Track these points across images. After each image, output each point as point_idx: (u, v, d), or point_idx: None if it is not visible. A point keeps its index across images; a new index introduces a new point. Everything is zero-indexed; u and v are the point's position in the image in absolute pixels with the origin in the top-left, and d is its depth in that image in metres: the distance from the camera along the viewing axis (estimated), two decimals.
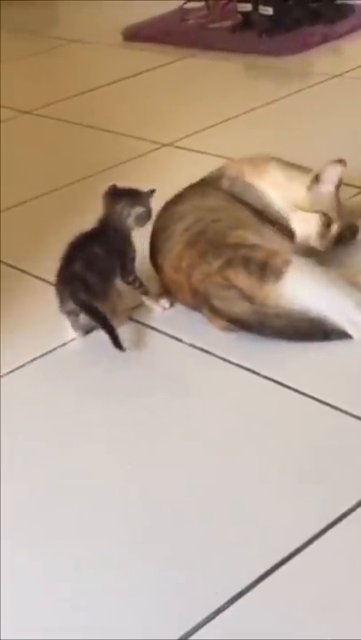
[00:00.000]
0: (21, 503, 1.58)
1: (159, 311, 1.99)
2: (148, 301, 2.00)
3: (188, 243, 1.91)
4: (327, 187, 2.00)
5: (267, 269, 1.81)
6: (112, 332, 1.86)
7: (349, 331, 1.78)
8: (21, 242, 2.45)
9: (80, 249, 1.93)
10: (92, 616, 1.34)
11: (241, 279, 1.83)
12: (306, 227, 2.00)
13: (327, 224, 2.00)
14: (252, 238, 1.89)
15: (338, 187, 2.01)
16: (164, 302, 2.00)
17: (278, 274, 1.81)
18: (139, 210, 1.95)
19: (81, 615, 1.35)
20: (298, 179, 2.02)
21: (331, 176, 2.00)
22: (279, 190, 2.03)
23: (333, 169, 1.99)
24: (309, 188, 2.00)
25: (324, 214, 1.99)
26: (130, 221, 1.95)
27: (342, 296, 1.80)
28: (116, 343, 1.85)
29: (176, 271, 1.93)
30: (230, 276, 1.84)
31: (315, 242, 2.00)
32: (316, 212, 1.99)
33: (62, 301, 1.92)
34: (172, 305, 2.00)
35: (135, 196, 1.96)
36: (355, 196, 2.28)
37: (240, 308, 1.84)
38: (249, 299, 1.82)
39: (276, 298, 1.80)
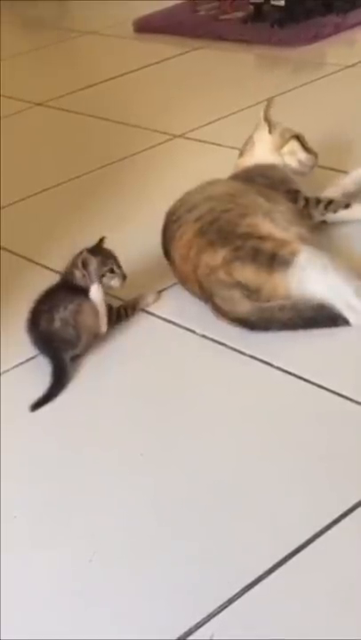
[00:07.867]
0: (24, 501, 1.58)
1: (151, 300, 2.00)
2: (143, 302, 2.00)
3: (199, 232, 1.91)
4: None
5: (275, 261, 1.81)
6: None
7: (348, 316, 1.78)
8: (34, 233, 2.45)
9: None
10: (102, 608, 1.34)
11: (248, 272, 1.83)
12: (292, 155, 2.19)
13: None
14: (262, 226, 1.90)
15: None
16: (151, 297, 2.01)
17: (287, 264, 1.81)
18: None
19: (89, 608, 1.35)
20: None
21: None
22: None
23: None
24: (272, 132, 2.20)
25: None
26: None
27: (344, 282, 1.80)
28: (40, 401, 1.78)
29: (184, 261, 1.93)
30: (235, 269, 1.83)
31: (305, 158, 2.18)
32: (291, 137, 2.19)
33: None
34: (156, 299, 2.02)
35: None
36: None
37: (243, 308, 1.83)
38: (255, 292, 1.82)
39: (285, 288, 1.80)
